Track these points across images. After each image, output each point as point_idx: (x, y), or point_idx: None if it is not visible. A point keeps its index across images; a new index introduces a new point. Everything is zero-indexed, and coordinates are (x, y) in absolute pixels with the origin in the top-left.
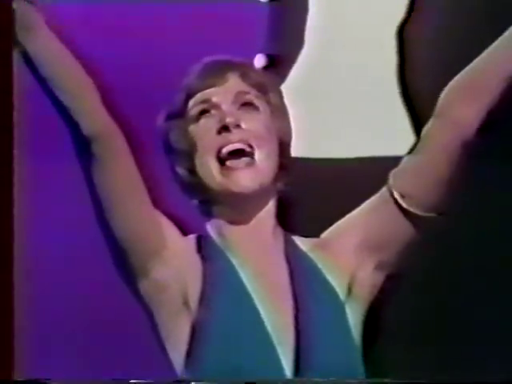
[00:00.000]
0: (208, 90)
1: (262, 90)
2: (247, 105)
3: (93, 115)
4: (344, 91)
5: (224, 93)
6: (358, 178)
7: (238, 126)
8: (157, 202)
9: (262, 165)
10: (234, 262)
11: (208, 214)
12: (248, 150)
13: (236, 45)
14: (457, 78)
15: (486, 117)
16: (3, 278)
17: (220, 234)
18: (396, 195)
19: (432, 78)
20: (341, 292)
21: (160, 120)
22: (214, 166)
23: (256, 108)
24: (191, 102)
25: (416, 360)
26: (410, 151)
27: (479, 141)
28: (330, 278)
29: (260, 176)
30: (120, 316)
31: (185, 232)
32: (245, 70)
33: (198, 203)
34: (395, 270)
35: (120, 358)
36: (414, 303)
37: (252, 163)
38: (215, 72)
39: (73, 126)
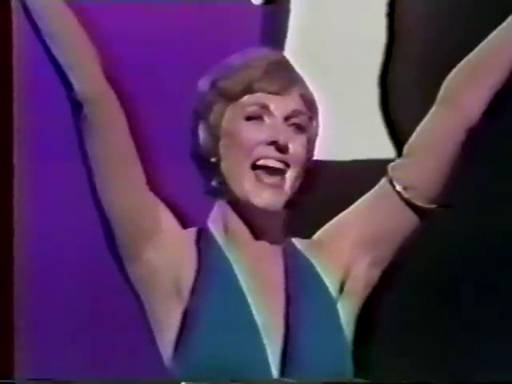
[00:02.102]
0: (269, 95)
1: (312, 112)
2: (297, 125)
3: (87, 76)
4: (337, 92)
5: (283, 105)
6: (357, 181)
7: (287, 146)
8: (158, 192)
9: (290, 185)
10: (231, 256)
11: (221, 197)
12: (283, 168)
13: (229, 47)
14: (461, 63)
15: (490, 101)
16: (3, 278)
17: (225, 220)
18: (398, 187)
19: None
20: (333, 289)
21: (204, 85)
22: (247, 172)
23: (303, 130)
24: (249, 97)
25: (406, 360)
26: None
27: (484, 126)
28: (324, 275)
29: (285, 196)
30: (120, 316)
31: (184, 224)
32: (305, 87)
33: (215, 184)
34: (390, 267)
35: (120, 357)
36: (407, 301)
37: (282, 183)
38: (282, 78)
39: (67, 85)
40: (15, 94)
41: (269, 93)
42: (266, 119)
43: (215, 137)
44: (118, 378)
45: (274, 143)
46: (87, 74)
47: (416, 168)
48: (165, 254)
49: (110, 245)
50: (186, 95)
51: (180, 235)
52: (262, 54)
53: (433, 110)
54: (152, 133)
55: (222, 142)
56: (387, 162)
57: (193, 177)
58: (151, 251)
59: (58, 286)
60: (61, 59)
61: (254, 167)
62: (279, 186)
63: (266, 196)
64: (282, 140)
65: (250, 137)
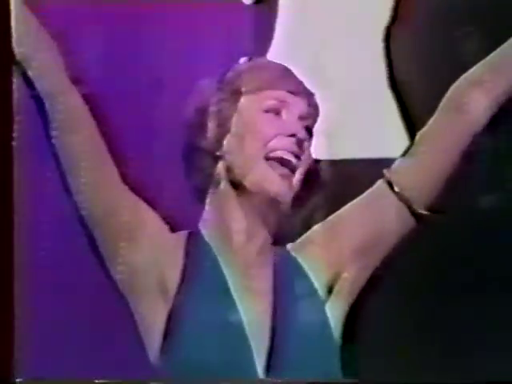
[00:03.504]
0: (288, 94)
1: (315, 120)
2: (308, 127)
3: (46, 72)
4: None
5: (300, 104)
6: (354, 180)
7: (303, 141)
8: (148, 196)
9: (298, 179)
10: (220, 257)
11: (218, 189)
12: (295, 163)
13: (220, 47)
14: (468, 72)
15: (496, 111)
16: (3, 278)
17: (221, 210)
18: (397, 188)
19: (423, 78)
20: (322, 290)
21: (211, 85)
22: (260, 162)
23: (310, 133)
24: (269, 92)
25: (395, 361)
26: (407, 150)
27: (488, 135)
28: (312, 276)
29: (293, 190)
30: (120, 316)
31: (173, 228)
32: (313, 97)
33: (215, 177)
34: (380, 271)
35: (120, 357)
36: (397, 300)
37: (291, 176)
38: (299, 82)
39: (28, 83)
40: (15, 94)
41: (288, 91)
42: (284, 115)
43: (224, 130)
44: (117, 377)
45: (293, 136)
46: (47, 71)
47: (417, 171)
48: (144, 255)
49: (91, 246)
50: (179, 92)
51: (164, 237)
52: (268, 60)
53: (436, 115)
54: (147, 137)
55: (231, 135)
56: (385, 161)
57: (184, 181)
58: (130, 252)
59: (59, 286)
60: (21, 56)
61: (266, 158)
62: (289, 178)
63: (277, 184)
64: (300, 136)
65: (268, 128)
